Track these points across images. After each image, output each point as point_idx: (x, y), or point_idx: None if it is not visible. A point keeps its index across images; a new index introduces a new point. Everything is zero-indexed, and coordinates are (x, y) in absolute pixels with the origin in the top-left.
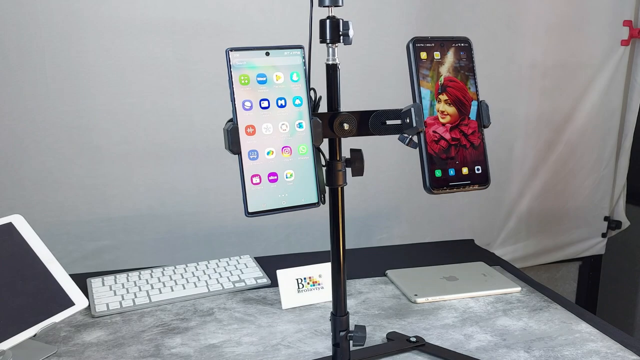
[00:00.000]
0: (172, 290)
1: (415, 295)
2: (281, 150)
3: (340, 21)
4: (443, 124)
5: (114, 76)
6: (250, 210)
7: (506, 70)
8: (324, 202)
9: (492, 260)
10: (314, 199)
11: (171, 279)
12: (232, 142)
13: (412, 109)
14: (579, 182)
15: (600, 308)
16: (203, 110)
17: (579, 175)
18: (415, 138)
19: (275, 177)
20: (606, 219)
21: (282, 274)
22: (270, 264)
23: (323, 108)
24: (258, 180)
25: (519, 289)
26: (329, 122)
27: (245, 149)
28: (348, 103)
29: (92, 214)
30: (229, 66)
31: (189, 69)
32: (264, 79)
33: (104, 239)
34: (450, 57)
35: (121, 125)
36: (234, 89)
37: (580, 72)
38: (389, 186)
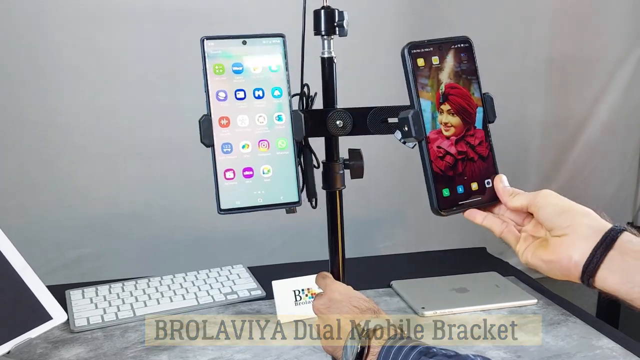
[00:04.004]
0: (159, 303)
1: (423, 308)
2: (258, 144)
3: (336, 11)
4: (447, 137)
5: (95, 70)
6: (222, 207)
7: (519, 66)
8: (315, 207)
9: (506, 270)
10: (294, 197)
11: (157, 291)
12: (205, 133)
13: (410, 117)
14: (599, 185)
15: (622, 322)
16: (192, 107)
17: (599, 178)
18: (410, 142)
19: (251, 173)
20: (629, 225)
21: (277, 285)
22: (265, 274)
23: (318, 105)
24: (232, 175)
25: (535, 301)
26: (322, 119)
27: (218, 141)
28: (346, 99)
29: (73, 219)
30: (203, 55)
31: (176, 62)
32: (240, 68)
33: (86, 247)
34: (449, 61)
35: (104, 123)
36: (208, 79)
37: (599, 66)
38: (392, 189)
